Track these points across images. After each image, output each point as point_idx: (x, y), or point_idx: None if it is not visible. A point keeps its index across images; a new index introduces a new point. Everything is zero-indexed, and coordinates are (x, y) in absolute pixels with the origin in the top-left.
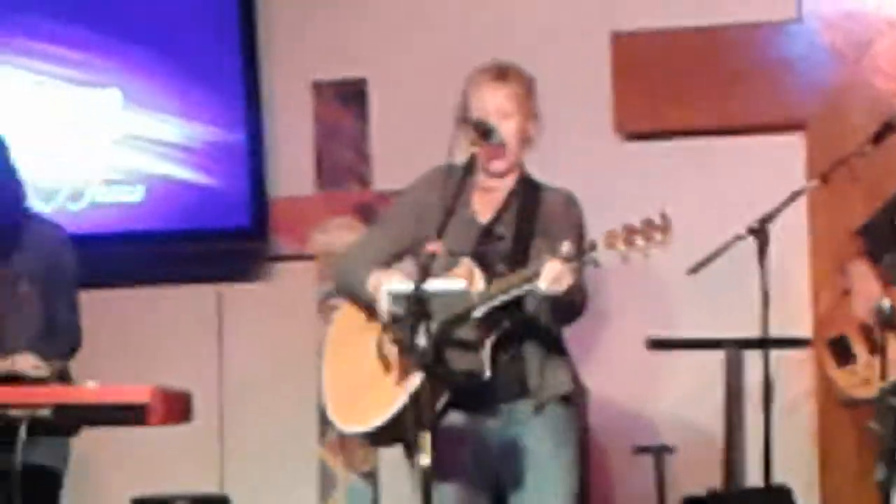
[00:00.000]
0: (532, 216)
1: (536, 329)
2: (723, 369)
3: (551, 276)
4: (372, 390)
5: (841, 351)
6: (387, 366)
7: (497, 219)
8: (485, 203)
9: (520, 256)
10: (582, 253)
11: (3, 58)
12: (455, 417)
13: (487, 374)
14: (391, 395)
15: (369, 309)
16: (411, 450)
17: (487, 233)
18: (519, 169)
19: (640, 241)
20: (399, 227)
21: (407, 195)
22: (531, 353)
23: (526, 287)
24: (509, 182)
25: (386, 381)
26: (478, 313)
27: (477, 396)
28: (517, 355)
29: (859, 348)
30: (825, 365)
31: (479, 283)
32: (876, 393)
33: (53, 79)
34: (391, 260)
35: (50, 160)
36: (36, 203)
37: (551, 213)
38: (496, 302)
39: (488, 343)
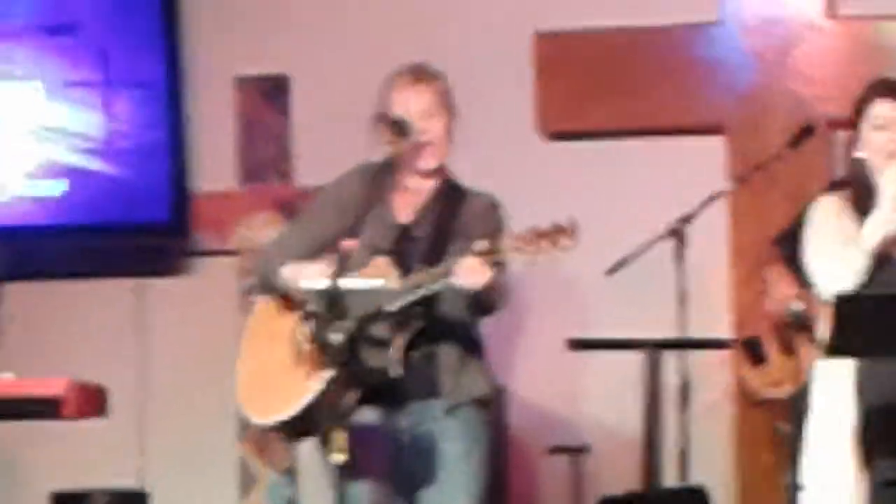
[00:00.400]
0: (452, 219)
1: (452, 328)
2: (642, 370)
3: (467, 270)
4: (283, 382)
5: (754, 351)
6: (300, 358)
7: (417, 220)
8: (406, 203)
9: (435, 257)
10: (493, 251)
11: None
12: (368, 415)
13: (398, 371)
14: (302, 388)
15: (285, 299)
16: (324, 444)
17: (406, 233)
18: (443, 171)
19: (545, 245)
20: (319, 223)
21: (328, 191)
22: (446, 352)
23: (441, 282)
24: (432, 184)
25: (298, 373)
26: (391, 307)
27: (389, 394)
28: (431, 354)
29: (772, 349)
30: (738, 365)
31: (394, 279)
32: (787, 393)
33: None
34: (311, 256)
35: None
36: None
37: (472, 216)
38: (410, 297)
39: (400, 341)
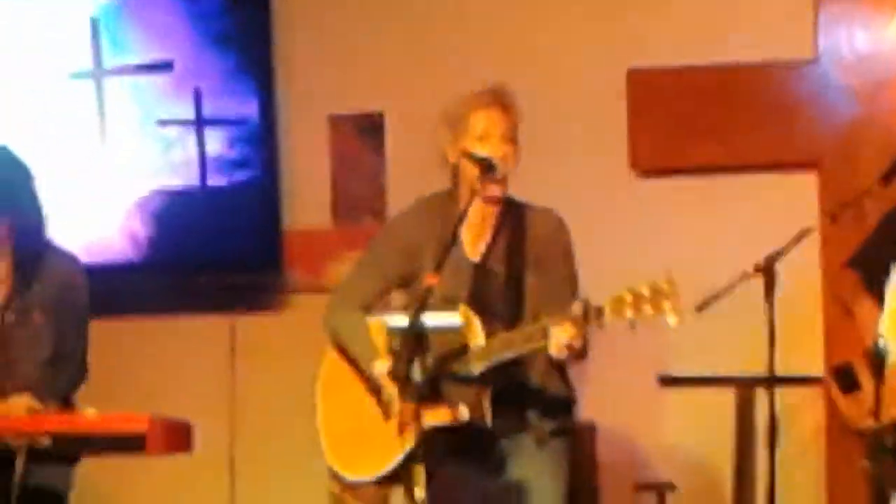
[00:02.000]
0: (521, 246)
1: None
2: (732, 407)
3: (560, 340)
4: (372, 437)
5: (846, 379)
6: (386, 412)
7: (488, 254)
8: (471, 237)
9: (514, 294)
10: (587, 320)
11: None
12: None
13: (489, 423)
14: (392, 446)
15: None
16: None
17: (480, 271)
18: (497, 201)
19: (648, 310)
20: (385, 266)
21: (393, 231)
22: (530, 385)
23: (532, 347)
24: (493, 210)
25: (386, 429)
26: (476, 370)
27: (478, 438)
28: (516, 389)
29: (864, 376)
30: (831, 392)
31: (479, 334)
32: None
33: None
34: (377, 300)
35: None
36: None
37: (540, 240)
38: (498, 359)
39: (488, 394)
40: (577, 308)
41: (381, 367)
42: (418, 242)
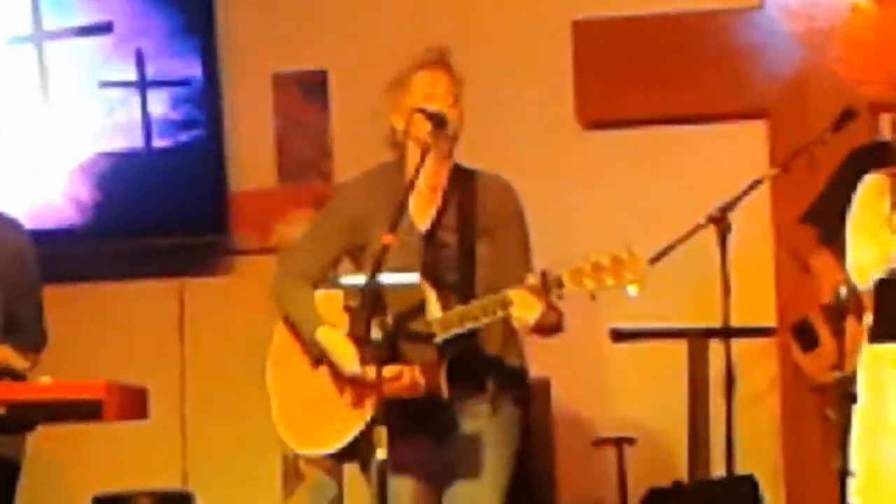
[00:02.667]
0: (471, 214)
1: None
2: (686, 359)
3: (521, 307)
4: (326, 412)
5: (805, 336)
6: (340, 386)
7: (437, 223)
8: (420, 205)
9: (466, 264)
10: (547, 288)
11: None
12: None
13: (446, 394)
14: (347, 420)
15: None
16: (366, 465)
17: (430, 241)
18: (449, 162)
19: (609, 280)
20: (330, 239)
21: (339, 204)
22: (487, 353)
23: (494, 317)
24: (441, 178)
25: (340, 402)
26: (438, 340)
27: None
28: (472, 354)
29: (823, 332)
30: (791, 350)
31: (435, 306)
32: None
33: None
34: (323, 273)
35: (9, 159)
36: None
37: (491, 207)
38: (458, 330)
39: (444, 365)
40: (534, 279)
41: (324, 333)
42: (365, 215)
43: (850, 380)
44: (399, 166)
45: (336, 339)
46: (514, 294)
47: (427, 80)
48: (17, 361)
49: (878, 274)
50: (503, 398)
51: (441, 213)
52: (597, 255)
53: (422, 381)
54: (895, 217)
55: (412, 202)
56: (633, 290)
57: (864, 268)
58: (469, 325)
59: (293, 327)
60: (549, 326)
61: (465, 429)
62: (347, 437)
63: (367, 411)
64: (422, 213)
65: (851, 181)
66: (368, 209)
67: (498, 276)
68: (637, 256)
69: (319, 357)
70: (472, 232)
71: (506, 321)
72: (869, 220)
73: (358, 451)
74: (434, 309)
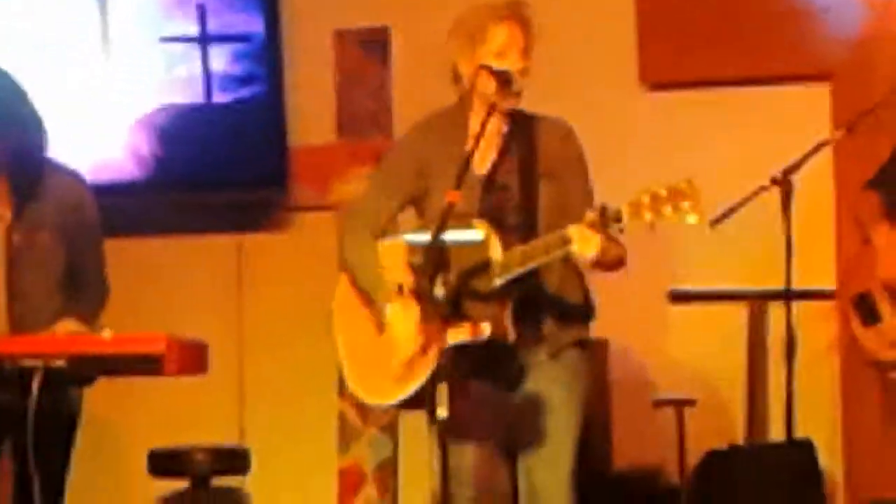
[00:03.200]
0: (532, 157)
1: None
2: (746, 322)
3: (581, 243)
4: (391, 361)
5: (866, 309)
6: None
7: (497, 167)
8: (480, 150)
9: (530, 206)
10: (605, 222)
11: None
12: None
13: (511, 339)
14: (412, 371)
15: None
16: (432, 417)
17: (490, 184)
18: (510, 112)
19: (668, 210)
20: (395, 186)
21: (402, 149)
22: (546, 292)
23: (555, 254)
24: (501, 123)
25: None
26: (500, 281)
27: (495, 353)
28: (531, 301)
29: (885, 307)
30: (851, 323)
31: (497, 249)
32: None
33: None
34: (390, 221)
35: (70, 113)
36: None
37: (551, 151)
38: (520, 270)
39: (508, 308)
40: (591, 214)
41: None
42: (428, 160)
43: None
44: (462, 111)
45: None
46: (573, 230)
47: (502, 35)
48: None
49: None
50: (562, 341)
51: (501, 157)
52: (655, 187)
53: (487, 326)
54: None
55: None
56: (692, 219)
57: None
58: (530, 265)
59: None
60: (612, 261)
61: (530, 383)
62: (411, 389)
63: (432, 362)
64: (482, 158)
65: None
66: (432, 155)
67: (560, 217)
68: (695, 185)
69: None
70: (533, 174)
71: (567, 259)
72: None
73: (422, 401)
74: (496, 251)
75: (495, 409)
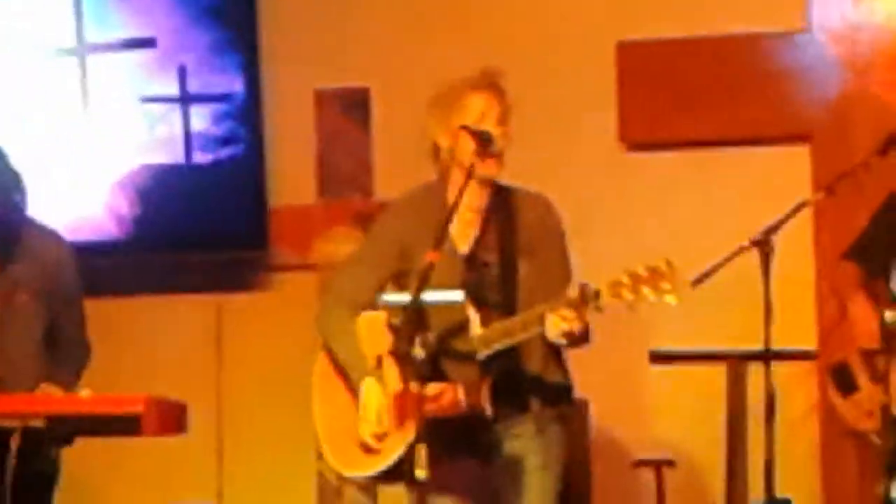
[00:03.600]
0: (512, 233)
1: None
2: (725, 383)
3: (560, 323)
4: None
5: (843, 379)
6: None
7: (478, 245)
8: (460, 228)
9: (509, 283)
10: (585, 301)
11: None
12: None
13: (489, 412)
14: (390, 442)
15: None
16: (411, 486)
17: (471, 262)
18: (490, 182)
19: (646, 291)
20: (379, 265)
21: (383, 230)
22: (529, 371)
23: (533, 331)
24: (482, 200)
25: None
26: (481, 356)
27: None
28: (515, 373)
29: (862, 377)
30: (829, 393)
31: (476, 323)
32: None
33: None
34: (369, 300)
35: (49, 172)
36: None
37: (531, 226)
38: (498, 346)
39: (487, 383)
40: (573, 292)
41: (368, 386)
42: (411, 239)
43: None
44: (441, 187)
45: (373, 395)
46: (550, 308)
47: (479, 102)
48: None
49: None
50: (547, 417)
51: (482, 235)
52: (634, 267)
53: (464, 398)
54: None
55: (453, 225)
56: (671, 300)
57: None
58: (509, 341)
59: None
60: (581, 338)
61: (509, 450)
62: (390, 459)
63: (410, 433)
64: (462, 236)
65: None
66: (413, 233)
67: (540, 293)
68: (675, 267)
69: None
70: (513, 251)
71: (544, 336)
72: None
73: (401, 472)
74: (476, 327)
75: (473, 479)
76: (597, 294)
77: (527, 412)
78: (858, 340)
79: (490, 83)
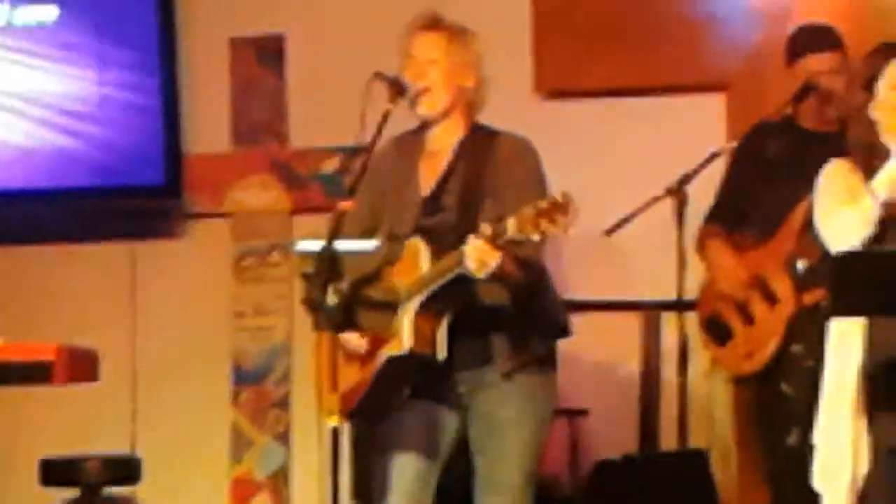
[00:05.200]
0: (479, 178)
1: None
2: (640, 332)
3: (473, 257)
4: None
5: (717, 330)
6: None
7: (441, 188)
8: (428, 171)
9: (466, 227)
10: (496, 234)
11: None
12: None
13: (441, 356)
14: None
15: None
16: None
17: (431, 205)
18: (464, 124)
19: (545, 225)
20: (363, 215)
21: (371, 172)
22: (489, 312)
23: (456, 271)
24: (453, 141)
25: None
26: (414, 304)
27: (440, 371)
28: (480, 322)
29: (735, 322)
30: (708, 348)
31: (425, 262)
32: (761, 363)
33: None
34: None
35: None
36: None
37: (501, 167)
38: (431, 290)
39: (443, 324)
40: (487, 227)
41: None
42: (385, 185)
43: (809, 354)
44: (419, 131)
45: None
46: (469, 247)
47: (407, 46)
48: None
49: (856, 240)
50: (516, 360)
51: (445, 177)
52: (538, 202)
53: (363, 346)
54: (875, 186)
55: (422, 167)
56: (563, 231)
57: (844, 233)
58: (432, 287)
59: None
60: (508, 276)
61: (481, 401)
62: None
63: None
64: (428, 179)
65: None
66: (388, 179)
67: None
68: (569, 197)
69: None
70: (475, 195)
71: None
72: (842, 194)
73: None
74: (424, 264)
75: (434, 426)
76: (503, 227)
77: (489, 355)
78: (723, 285)
79: (419, 24)
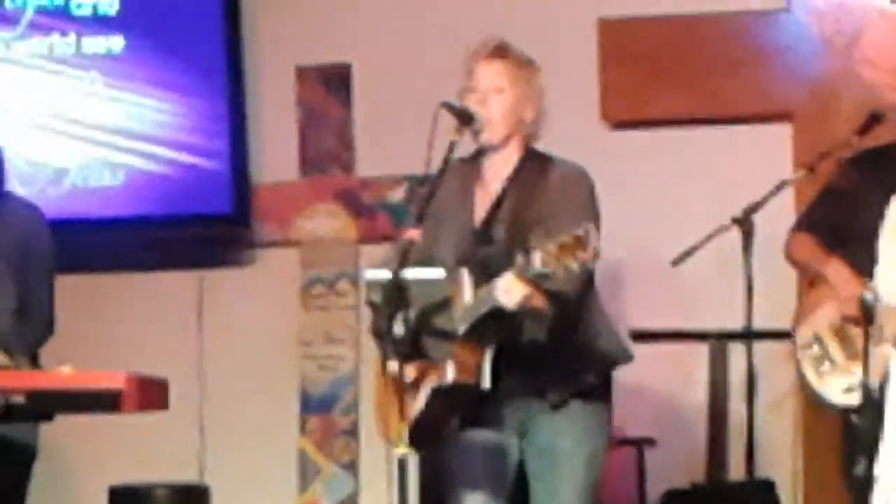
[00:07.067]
0: (528, 206)
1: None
2: (707, 362)
3: (502, 290)
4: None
5: (818, 356)
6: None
7: (492, 216)
8: (483, 199)
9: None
10: (524, 268)
11: None
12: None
13: (485, 386)
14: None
15: None
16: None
17: (482, 234)
18: (520, 152)
19: (567, 260)
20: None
21: (430, 209)
22: (532, 342)
23: (491, 304)
24: (509, 170)
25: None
26: (461, 330)
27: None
28: (528, 354)
29: (836, 352)
30: (805, 373)
31: (468, 293)
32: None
33: (34, 60)
34: None
35: (31, 144)
36: (16, 187)
37: (553, 195)
38: (470, 321)
39: (487, 355)
40: (521, 259)
41: None
42: (438, 218)
43: (879, 385)
44: (476, 157)
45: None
46: (501, 280)
47: (471, 72)
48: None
49: None
50: (565, 392)
51: (496, 207)
52: (564, 235)
53: (451, 370)
54: None
55: (478, 195)
56: (586, 266)
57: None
58: (471, 319)
59: None
60: (533, 311)
61: (536, 434)
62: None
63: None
64: (481, 207)
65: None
66: (443, 205)
67: None
68: (588, 231)
69: None
70: (525, 224)
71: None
72: None
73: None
74: (465, 297)
75: (499, 454)
76: (530, 261)
77: (540, 388)
78: (842, 308)
79: (484, 53)
